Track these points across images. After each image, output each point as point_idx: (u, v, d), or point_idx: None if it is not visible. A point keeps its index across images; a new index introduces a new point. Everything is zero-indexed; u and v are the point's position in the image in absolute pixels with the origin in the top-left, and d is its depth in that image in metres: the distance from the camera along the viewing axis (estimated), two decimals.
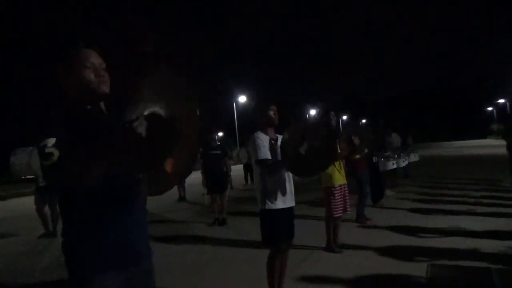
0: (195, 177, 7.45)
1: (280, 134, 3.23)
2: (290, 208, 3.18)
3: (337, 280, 3.77)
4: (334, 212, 4.62)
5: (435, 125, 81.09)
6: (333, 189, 4.61)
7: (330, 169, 4.58)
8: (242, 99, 37.37)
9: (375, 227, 5.90)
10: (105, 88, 1.46)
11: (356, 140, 4.65)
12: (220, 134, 50.80)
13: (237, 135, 39.35)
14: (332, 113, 4.91)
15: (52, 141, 5.77)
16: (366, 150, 5.05)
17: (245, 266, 4.38)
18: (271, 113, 3.19)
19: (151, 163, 1.27)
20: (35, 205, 6.85)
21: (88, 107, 1.45)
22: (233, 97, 38.44)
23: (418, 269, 3.83)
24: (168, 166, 1.42)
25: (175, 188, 11.25)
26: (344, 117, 53.36)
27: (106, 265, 1.38)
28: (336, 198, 4.61)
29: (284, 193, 3.08)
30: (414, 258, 4.19)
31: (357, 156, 5.04)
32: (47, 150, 5.88)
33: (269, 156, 3.06)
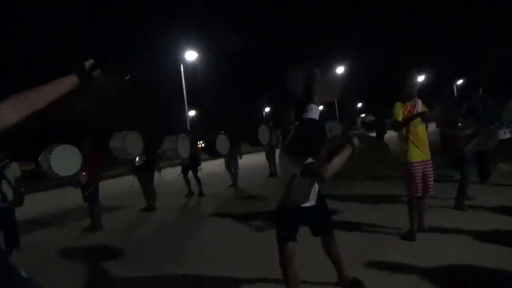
0: None
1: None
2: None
3: (415, 270, 3.30)
4: (413, 192, 4.06)
5: None
6: (409, 165, 4.04)
7: (406, 143, 4.03)
8: (340, 69, 35.80)
9: (479, 207, 5.04)
10: None
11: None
12: (321, 107, 49.92)
13: (336, 109, 38.29)
14: None
15: None
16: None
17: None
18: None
19: None
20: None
21: None
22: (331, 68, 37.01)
23: None
24: None
25: (267, 164, 11.40)
26: (459, 82, 47.71)
27: None
28: (414, 176, 4.01)
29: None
30: None
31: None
32: None
33: None
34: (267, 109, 51.71)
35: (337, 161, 2.48)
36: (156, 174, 8.11)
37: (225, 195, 8.93)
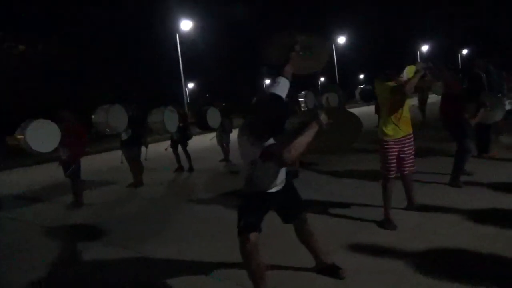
0: None
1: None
2: None
3: (402, 253, 3.06)
4: (386, 172, 3.71)
5: None
6: (383, 143, 3.66)
7: (384, 119, 3.67)
8: (342, 40, 34.85)
9: (475, 184, 4.74)
10: None
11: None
12: (322, 79, 49.35)
13: (337, 79, 37.63)
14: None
15: None
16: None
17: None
18: None
19: None
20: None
21: None
22: (331, 38, 36.04)
23: None
24: None
25: None
26: (465, 51, 46.58)
27: None
28: (388, 154, 3.65)
29: None
30: None
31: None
32: None
33: None
34: (267, 81, 51.15)
35: (301, 141, 2.16)
36: (143, 149, 7.84)
37: (216, 170, 8.68)
